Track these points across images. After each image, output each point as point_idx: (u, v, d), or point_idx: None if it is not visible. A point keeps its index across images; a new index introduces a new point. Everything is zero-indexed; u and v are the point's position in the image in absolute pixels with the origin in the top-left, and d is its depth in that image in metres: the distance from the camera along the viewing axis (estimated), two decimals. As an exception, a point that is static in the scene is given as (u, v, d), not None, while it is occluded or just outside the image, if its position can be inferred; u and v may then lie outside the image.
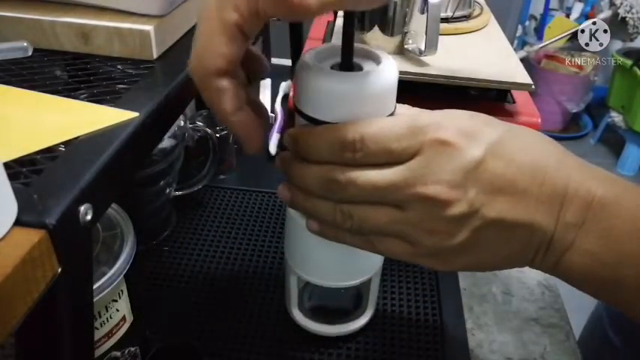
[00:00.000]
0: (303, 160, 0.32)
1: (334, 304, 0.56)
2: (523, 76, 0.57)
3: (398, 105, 0.35)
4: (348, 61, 0.34)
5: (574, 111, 2.34)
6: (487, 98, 0.61)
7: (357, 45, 0.34)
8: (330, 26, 0.75)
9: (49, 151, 0.25)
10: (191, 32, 0.40)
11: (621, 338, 0.62)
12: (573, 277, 0.30)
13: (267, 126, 0.31)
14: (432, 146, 0.28)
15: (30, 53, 0.33)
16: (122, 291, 0.41)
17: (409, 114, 0.32)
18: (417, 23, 0.56)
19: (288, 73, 0.96)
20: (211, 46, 0.26)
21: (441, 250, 0.30)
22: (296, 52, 0.94)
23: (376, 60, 0.35)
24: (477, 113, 0.31)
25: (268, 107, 0.90)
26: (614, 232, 0.29)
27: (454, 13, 0.67)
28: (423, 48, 0.55)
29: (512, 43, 2.14)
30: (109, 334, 0.40)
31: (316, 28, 0.76)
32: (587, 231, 0.29)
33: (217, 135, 0.69)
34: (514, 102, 0.61)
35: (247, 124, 0.29)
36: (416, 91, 0.56)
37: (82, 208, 0.23)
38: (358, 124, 0.30)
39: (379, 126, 0.29)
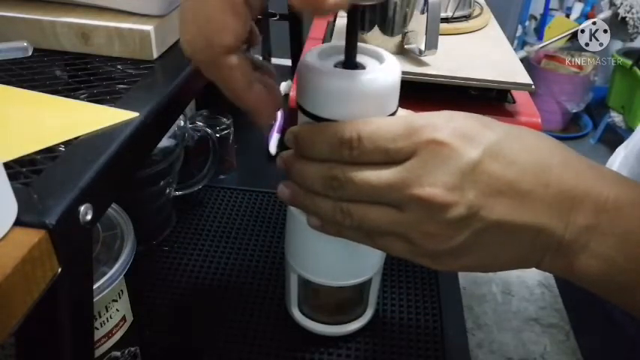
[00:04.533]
0: (304, 157, 0.32)
1: (334, 304, 0.56)
2: (523, 76, 0.57)
3: (400, 109, 0.35)
4: (351, 60, 0.34)
5: (574, 111, 2.34)
6: (487, 98, 0.61)
7: (360, 44, 0.34)
8: (330, 26, 0.75)
9: (49, 151, 0.25)
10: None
11: None
12: (588, 281, 0.30)
13: (278, 97, 0.30)
14: (428, 147, 0.28)
15: (30, 53, 0.33)
16: (122, 291, 0.41)
17: (407, 115, 0.32)
18: (417, 23, 0.57)
19: (289, 73, 0.97)
20: (219, 23, 0.25)
21: (439, 251, 0.30)
22: (296, 52, 0.95)
23: (379, 59, 0.35)
24: (476, 115, 0.30)
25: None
26: (632, 236, 0.28)
27: (454, 13, 0.67)
28: (423, 48, 0.55)
29: (512, 43, 2.14)
30: (109, 334, 0.40)
31: (316, 28, 0.76)
32: (603, 234, 0.28)
33: (217, 135, 0.69)
34: (514, 102, 0.62)
35: (260, 98, 0.29)
36: (416, 91, 0.56)
37: (82, 208, 0.23)
38: (356, 122, 0.29)
39: (376, 125, 0.29)
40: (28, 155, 0.25)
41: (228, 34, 0.25)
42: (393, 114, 0.34)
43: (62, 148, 0.26)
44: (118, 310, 0.40)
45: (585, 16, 2.32)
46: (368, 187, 0.29)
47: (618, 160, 0.67)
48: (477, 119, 0.30)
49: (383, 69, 0.33)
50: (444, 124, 0.28)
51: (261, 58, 1.00)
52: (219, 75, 0.27)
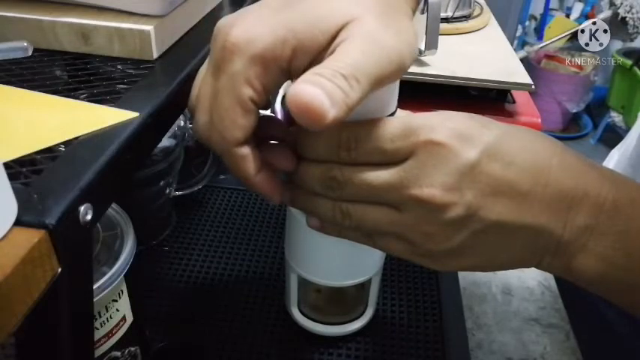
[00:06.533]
0: (303, 158, 0.32)
1: (334, 304, 0.56)
2: (523, 76, 0.57)
3: (399, 110, 0.35)
4: None
5: (574, 111, 2.34)
6: (487, 98, 0.61)
7: None
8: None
9: (49, 151, 0.25)
10: (191, 32, 0.40)
11: None
12: (588, 281, 0.30)
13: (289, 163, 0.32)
14: (425, 148, 0.28)
15: (30, 53, 0.33)
16: (122, 291, 0.40)
17: (405, 115, 0.32)
18: (417, 23, 0.56)
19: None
20: (230, 121, 0.27)
21: (439, 251, 0.30)
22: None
23: None
24: (474, 115, 0.30)
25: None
26: (632, 236, 0.28)
27: (454, 13, 0.67)
28: (423, 48, 0.55)
29: (512, 43, 2.14)
30: (109, 334, 0.40)
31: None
32: (602, 234, 0.28)
33: (217, 135, 0.69)
34: (514, 102, 0.62)
35: (267, 184, 0.30)
36: (416, 91, 0.56)
37: (82, 208, 0.23)
38: (354, 123, 0.30)
39: (374, 126, 0.29)
40: (28, 155, 0.25)
41: (238, 130, 0.27)
42: (391, 114, 0.34)
43: (62, 148, 0.26)
44: (118, 310, 0.40)
45: (585, 16, 2.32)
46: (366, 188, 0.29)
47: (612, 163, 0.67)
48: (475, 119, 0.30)
49: None
50: (442, 124, 0.28)
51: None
52: (230, 162, 0.29)
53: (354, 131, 0.29)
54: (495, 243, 0.30)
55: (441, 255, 0.30)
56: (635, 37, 1.61)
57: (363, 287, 0.51)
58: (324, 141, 0.30)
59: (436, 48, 0.55)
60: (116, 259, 0.39)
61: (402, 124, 0.29)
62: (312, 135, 0.31)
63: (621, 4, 1.55)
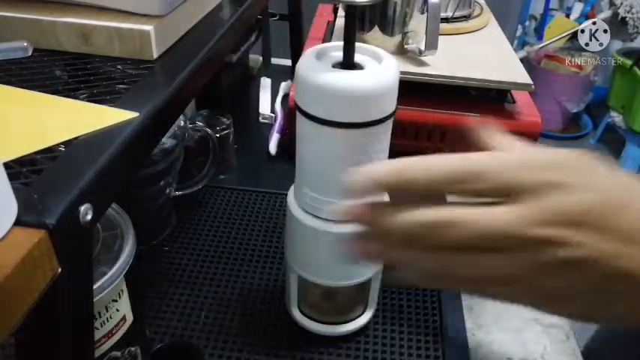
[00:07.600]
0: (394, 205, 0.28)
1: (334, 304, 0.56)
2: (523, 76, 0.57)
3: (506, 139, 0.31)
4: (349, 60, 0.34)
5: (574, 111, 2.34)
6: (487, 98, 0.61)
7: (358, 44, 0.34)
8: (330, 26, 0.75)
9: (49, 151, 0.25)
10: (191, 32, 0.40)
11: None
12: None
13: None
14: (542, 186, 0.26)
15: (30, 53, 0.33)
16: (122, 291, 0.41)
17: (520, 151, 0.30)
18: (417, 23, 0.57)
19: (289, 73, 0.97)
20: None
21: (551, 295, 0.29)
22: (296, 52, 0.95)
23: (377, 59, 0.35)
24: (586, 154, 0.28)
25: (268, 107, 0.90)
26: None
27: (454, 13, 0.67)
28: (423, 48, 0.56)
29: (512, 43, 2.14)
30: (109, 334, 0.40)
31: (316, 28, 0.76)
32: None
33: (217, 135, 0.69)
34: (514, 102, 0.62)
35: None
36: (416, 91, 0.56)
37: (82, 208, 0.23)
38: (472, 157, 0.27)
39: (495, 161, 0.27)
40: (28, 155, 0.25)
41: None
42: (391, 114, 0.34)
43: (62, 148, 0.26)
44: (118, 310, 0.40)
45: (585, 16, 2.32)
46: (481, 230, 0.27)
47: None
48: (589, 159, 0.28)
49: (381, 69, 0.33)
50: (557, 164, 0.27)
51: (261, 58, 1.00)
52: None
53: (479, 164, 0.27)
54: (613, 293, 0.27)
55: (554, 298, 0.29)
56: (635, 37, 1.61)
57: (363, 287, 0.51)
58: (443, 173, 0.27)
59: (436, 48, 0.55)
60: (116, 259, 0.39)
61: (519, 160, 0.27)
62: (426, 168, 0.28)
63: (621, 4, 1.55)
